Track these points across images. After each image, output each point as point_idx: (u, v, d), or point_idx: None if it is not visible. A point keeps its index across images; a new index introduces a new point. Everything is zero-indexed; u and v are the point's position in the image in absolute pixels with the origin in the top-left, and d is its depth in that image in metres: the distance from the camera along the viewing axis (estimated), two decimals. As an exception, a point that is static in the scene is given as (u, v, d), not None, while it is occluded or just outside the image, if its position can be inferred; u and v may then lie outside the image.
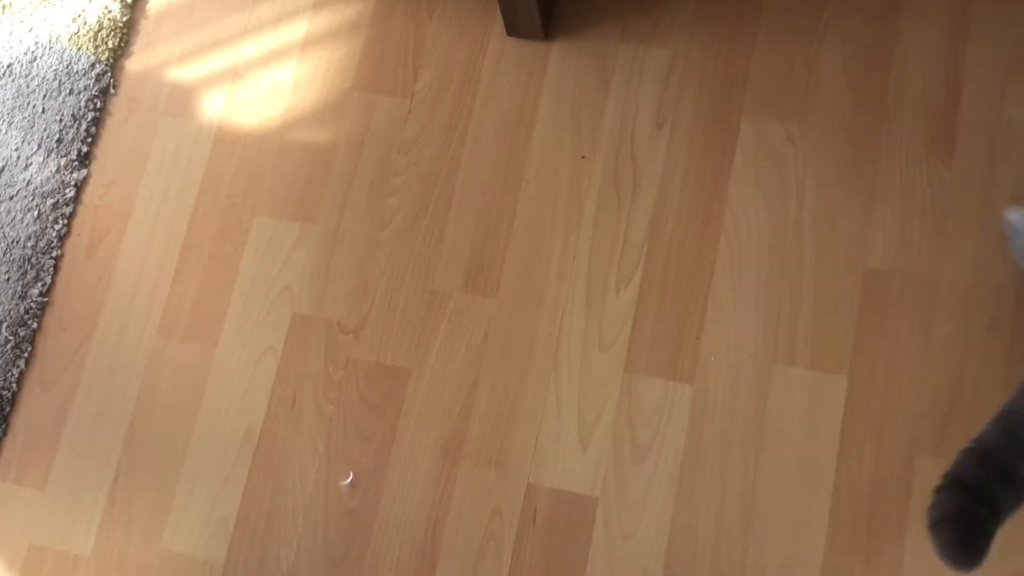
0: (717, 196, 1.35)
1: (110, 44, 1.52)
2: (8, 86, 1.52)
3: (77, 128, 1.49)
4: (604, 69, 1.41)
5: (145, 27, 1.54)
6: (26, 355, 1.41)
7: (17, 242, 1.45)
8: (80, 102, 1.49)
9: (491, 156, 1.41)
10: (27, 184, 1.47)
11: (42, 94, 1.51)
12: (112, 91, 1.51)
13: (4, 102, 1.51)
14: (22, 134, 1.49)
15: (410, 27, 1.47)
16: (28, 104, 1.50)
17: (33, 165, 1.48)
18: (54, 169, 1.47)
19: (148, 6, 1.55)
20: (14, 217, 1.46)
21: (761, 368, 1.28)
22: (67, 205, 1.46)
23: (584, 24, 1.44)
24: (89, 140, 1.49)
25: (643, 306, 1.33)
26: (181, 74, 1.51)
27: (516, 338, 1.34)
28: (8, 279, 1.43)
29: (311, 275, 1.40)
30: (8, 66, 1.53)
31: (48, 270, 1.44)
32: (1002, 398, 1.09)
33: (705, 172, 1.36)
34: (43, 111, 1.50)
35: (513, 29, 1.41)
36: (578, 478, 1.28)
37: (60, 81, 1.51)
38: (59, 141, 1.48)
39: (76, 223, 1.46)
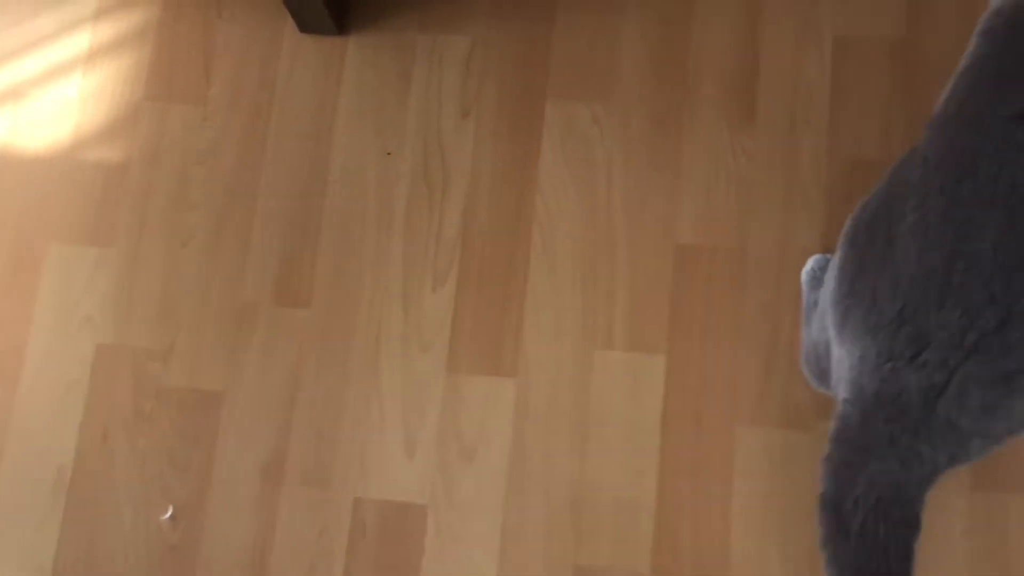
0: (527, 183, 1.36)
1: None
2: None
3: None
4: (404, 61, 1.41)
5: (-91, 49, 1.47)
6: None
7: None
8: None
9: (293, 160, 1.40)
10: None
11: None
12: None
13: None
14: None
15: (199, 30, 1.44)
16: None
17: None
18: None
19: (-89, 26, 1.48)
20: None
21: (582, 355, 1.30)
22: None
23: (380, 16, 1.43)
24: None
25: (461, 303, 1.33)
26: (-46, 98, 1.45)
27: (333, 348, 1.33)
28: None
29: (113, 302, 1.37)
30: None
31: None
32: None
33: (514, 160, 1.37)
34: None
35: (305, 25, 1.40)
36: (406, 486, 1.29)
37: None
38: None
39: None
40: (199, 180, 1.39)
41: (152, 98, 1.43)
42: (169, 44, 1.44)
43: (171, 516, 1.29)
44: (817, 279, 1.19)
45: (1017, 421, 0.91)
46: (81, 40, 1.46)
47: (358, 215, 1.37)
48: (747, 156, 1.34)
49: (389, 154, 1.38)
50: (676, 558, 1.23)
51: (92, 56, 1.46)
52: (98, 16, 1.47)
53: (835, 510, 0.97)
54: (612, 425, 1.28)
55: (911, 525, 0.98)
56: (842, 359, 0.98)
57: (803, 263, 1.27)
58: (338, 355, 1.33)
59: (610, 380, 1.29)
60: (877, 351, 0.91)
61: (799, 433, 1.26)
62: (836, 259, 1.03)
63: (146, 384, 1.33)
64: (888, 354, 0.90)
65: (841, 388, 0.98)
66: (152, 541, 1.29)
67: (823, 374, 1.07)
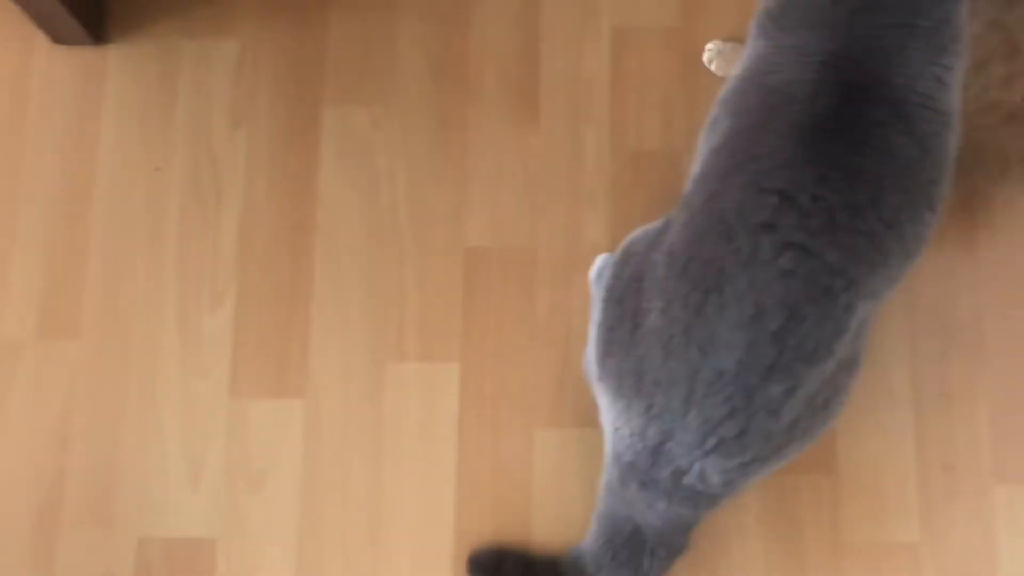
0: (307, 194, 1.32)
1: None
2: None
3: None
4: (169, 70, 1.35)
5: None
6: None
7: None
8: None
9: (54, 181, 1.32)
10: None
11: None
12: None
13: None
14: None
15: (-61, 46, 1.34)
16: None
17: None
18: None
19: None
20: None
21: (373, 369, 1.27)
22: None
23: (142, 23, 1.36)
24: None
25: (242, 323, 1.28)
26: None
27: (106, 380, 1.26)
28: None
29: None
30: None
31: None
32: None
33: (292, 169, 1.33)
34: None
35: (57, 37, 1.32)
36: (192, 521, 1.23)
37: None
38: None
39: None
40: (-53, 209, 1.30)
41: None
42: (-94, 62, 1.34)
43: (-68, 578, 1.20)
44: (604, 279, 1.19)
45: (754, 483, 1.00)
46: None
47: (127, 236, 1.30)
48: (532, 154, 1.33)
49: (158, 169, 1.32)
50: (477, 571, 1.21)
51: None
52: None
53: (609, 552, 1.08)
54: (408, 439, 1.26)
55: (677, 552, 1.09)
56: (602, 413, 1.03)
57: (591, 259, 1.27)
58: (112, 387, 1.26)
59: (404, 393, 1.27)
60: (629, 431, 0.96)
61: (598, 432, 1.26)
62: (598, 303, 1.04)
63: None
64: (640, 436, 0.95)
65: (605, 443, 1.04)
66: (-88, 607, 1.20)
67: None
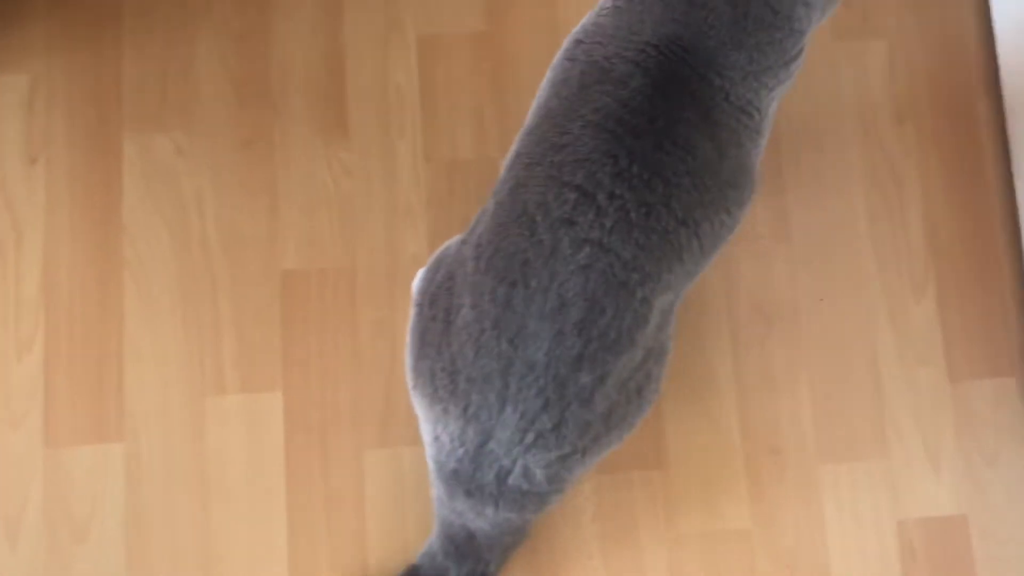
0: (112, 228, 1.29)
1: None
2: None
3: None
4: (-46, 109, 1.29)
5: None
6: None
7: None
8: None
9: None
10: None
11: None
12: None
13: None
14: None
15: None
16: None
17: None
18: None
19: None
20: None
21: (193, 405, 1.25)
22: None
23: (-79, 61, 1.30)
24: None
25: (52, 369, 1.25)
26: None
27: (-91, 442, 1.21)
28: None
29: None
30: None
31: None
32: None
33: (94, 204, 1.29)
34: None
35: None
36: (12, 580, 1.20)
37: None
38: None
39: None
40: None
41: None
42: None
43: None
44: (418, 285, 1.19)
45: (579, 477, 1.01)
46: None
47: (-79, 288, 1.25)
48: (345, 170, 1.32)
49: (-51, 216, 1.27)
50: (314, 600, 1.21)
51: None
52: None
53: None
54: (234, 474, 1.24)
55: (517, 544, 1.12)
56: (421, 424, 1.03)
57: (412, 273, 1.26)
58: (-84, 449, 1.21)
59: (226, 427, 1.25)
60: (449, 437, 0.96)
61: (429, 447, 1.26)
62: (412, 308, 1.04)
63: None
64: (460, 440, 0.95)
65: (427, 455, 1.04)
66: None
67: None
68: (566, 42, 1.02)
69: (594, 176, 0.90)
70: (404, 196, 1.32)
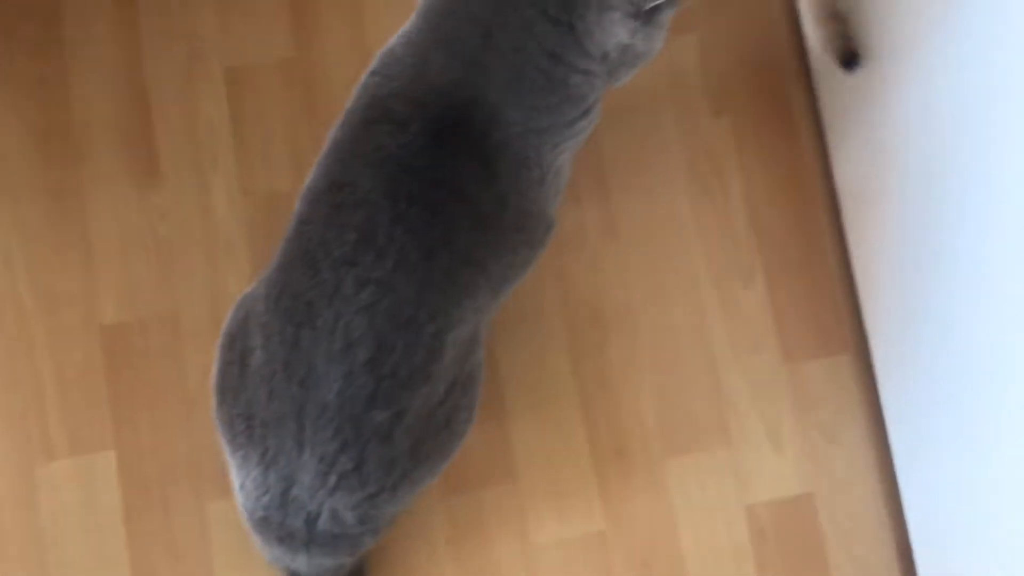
0: (-87, 299, 1.23)
1: None
2: None
3: None
4: None
5: None
6: None
7: None
8: None
9: None
10: None
11: None
12: None
13: None
14: None
15: None
16: None
17: None
18: None
19: None
20: None
21: (21, 474, 1.22)
22: None
23: None
24: None
25: None
26: None
27: None
28: None
29: None
30: None
31: None
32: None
33: None
34: None
35: None
36: None
37: None
38: None
39: None
40: None
41: None
42: None
43: None
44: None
45: (393, 514, 1.01)
46: None
47: None
48: (159, 214, 1.30)
49: None
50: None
51: None
52: None
53: None
54: (73, 543, 1.22)
55: None
56: (230, 470, 1.01)
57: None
58: None
59: (59, 494, 1.22)
60: (253, 484, 0.95)
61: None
62: (216, 351, 1.03)
63: None
64: (264, 487, 0.94)
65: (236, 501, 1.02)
66: None
67: None
68: (372, 64, 1.02)
69: (373, 218, 0.90)
70: (223, 234, 1.30)
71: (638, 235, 1.37)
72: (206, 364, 1.23)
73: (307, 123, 1.34)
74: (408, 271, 0.90)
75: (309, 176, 1.00)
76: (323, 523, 0.95)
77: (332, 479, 0.92)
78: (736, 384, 1.35)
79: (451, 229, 0.93)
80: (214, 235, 1.30)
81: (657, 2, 0.92)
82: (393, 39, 1.02)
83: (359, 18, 1.37)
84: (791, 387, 1.36)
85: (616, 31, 0.94)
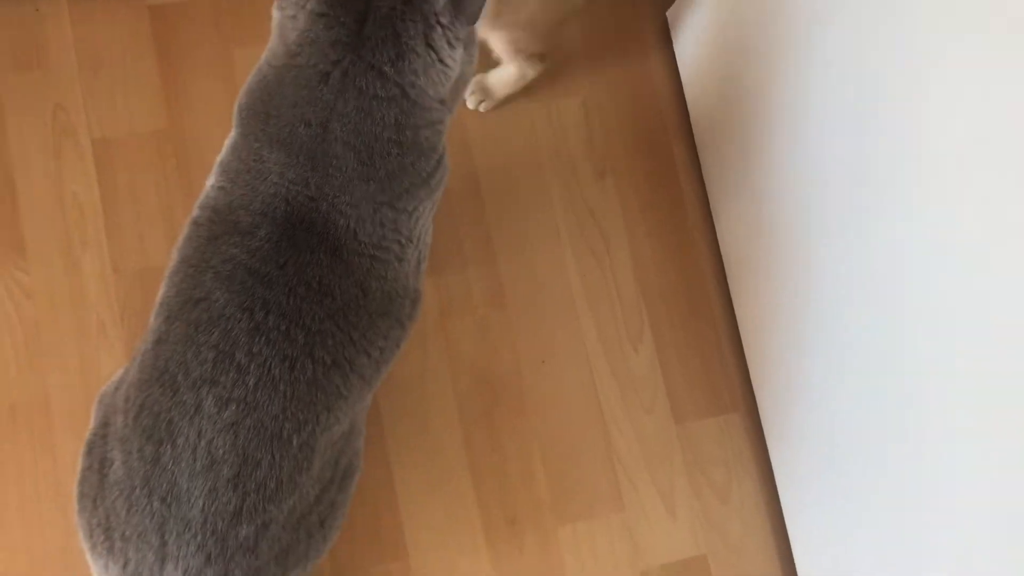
0: None
1: None
2: None
3: None
4: None
5: None
6: None
7: None
8: None
9: None
10: None
11: None
12: None
13: None
14: None
15: None
16: None
17: None
18: None
19: None
20: None
21: None
22: None
23: None
24: None
25: None
26: None
27: None
28: None
29: None
30: None
31: None
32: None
33: None
34: None
35: None
36: None
37: None
38: None
39: None
40: None
41: None
42: None
43: None
44: None
45: None
46: None
47: None
48: (26, 293, 1.31)
49: None
50: None
51: None
52: None
53: None
54: (-67, 643, 1.21)
55: None
56: None
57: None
58: None
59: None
60: None
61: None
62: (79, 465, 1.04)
63: None
64: None
65: None
66: None
67: None
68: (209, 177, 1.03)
69: (230, 333, 0.91)
70: (95, 312, 1.32)
71: (525, 299, 1.43)
72: (78, 448, 1.25)
73: (181, 196, 1.37)
74: (271, 387, 0.92)
75: (160, 290, 1.01)
76: None
77: None
78: (628, 447, 1.41)
79: (312, 333, 0.94)
80: (84, 315, 1.32)
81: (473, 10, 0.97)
82: (223, 151, 1.03)
83: (232, 85, 1.41)
84: (683, 447, 1.43)
85: (446, 72, 0.98)
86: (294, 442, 0.94)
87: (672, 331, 1.46)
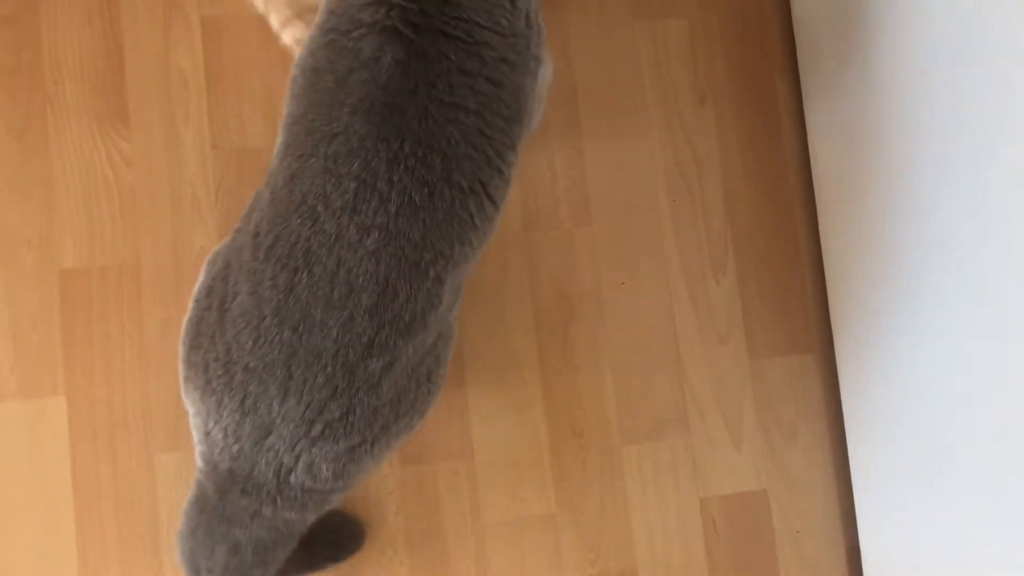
0: None
1: None
2: None
3: None
4: None
5: None
6: None
7: None
8: None
9: None
10: None
11: None
12: None
13: None
14: None
15: None
16: None
17: None
18: None
19: None
20: None
21: (-33, 414, 1.29)
22: None
23: None
24: None
25: None
26: None
27: None
28: None
29: None
30: None
31: None
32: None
33: None
34: None
35: None
36: None
37: None
38: None
39: None
40: None
41: None
42: None
43: None
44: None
45: (367, 471, 1.05)
46: None
47: None
48: (125, 161, 1.37)
49: None
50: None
51: None
52: None
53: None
54: (17, 487, 1.29)
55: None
56: (192, 421, 1.04)
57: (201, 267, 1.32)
58: None
59: (5, 436, 1.29)
60: (223, 433, 0.98)
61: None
62: (190, 303, 1.07)
63: None
64: (235, 436, 0.97)
65: (196, 454, 1.05)
66: None
67: None
68: (312, 30, 1.05)
69: (369, 164, 0.94)
70: (190, 187, 1.37)
71: (611, 218, 1.45)
72: (164, 317, 1.32)
73: (282, 82, 1.40)
74: (411, 214, 0.95)
75: (283, 135, 1.04)
76: (296, 476, 0.99)
77: (317, 428, 0.96)
78: (699, 375, 1.44)
79: (449, 158, 0.97)
80: (180, 187, 1.37)
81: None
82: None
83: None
84: (754, 382, 1.45)
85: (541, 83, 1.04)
86: (430, 274, 0.97)
87: (756, 265, 1.48)
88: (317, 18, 1.04)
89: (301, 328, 0.94)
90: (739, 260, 1.47)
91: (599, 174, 1.46)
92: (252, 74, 1.41)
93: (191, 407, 1.03)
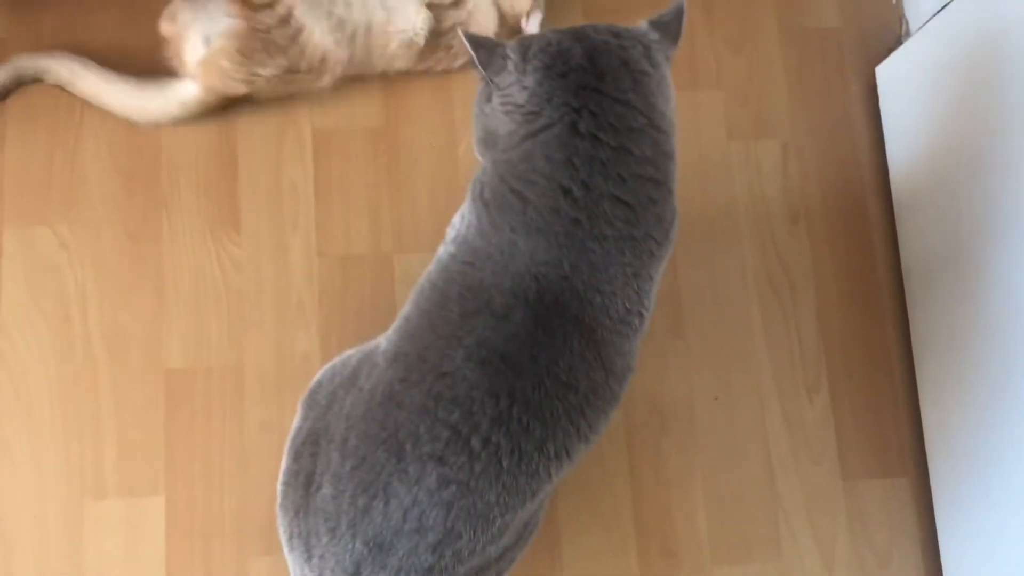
0: (-12, 324, 1.37)
1: None
2: None
3: None
4: None
5: None
6: None
7: None
8: None
9: None
10: None
11: None
12: None
13: None
14: None
15: None
16: None
17: None
18: None
19: None
20: None
21: (69, 509, 1.33)
22: None
23: None
24: None
25: (-82, 473, 1.31)
26: None
27: None
28: None
29: None
30: None
31: None
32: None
33: (-31, 300, 1.37)
34: None
35: None
36: None
37: None
38: None
39: None
40: None
41: None
42: None
43: None
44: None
45: None
46: None
47: None
48: (235, 265, 1.43)
49: None
50: None
51: None
52: None
53: None
54: (111, 582, 1.32)
55: None
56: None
57: (304, 371, 1.37)
58: None
59: (105, 532, 1.33)
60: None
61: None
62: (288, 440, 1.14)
63: None
64: None
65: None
66: None
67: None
68: (443, 247, 1.08)
69: (471, 418, 0.97)
70: (296, 292, 1.43)
71: (705, 334, 1.48)
72: (265, 420, 1.37)
73: (387, 192, 1.48)
74: (494, 476, 0.98)
75: (392, 338, 1.07)
76: None
77: None
78: (792, 496, 1.45)
79: (548, 428, 0.99)
80: (286, 292, 1.43)
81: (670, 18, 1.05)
82: (460, 225, 1.07)
83: (447, 95, 1.52)
84: (847, 505, 1.45)
85: (671, 87, 1.04)
86: (496, 524, 1.01)
87: (849, 384, 1.50)
88: (460, 223, 1.07)
89: (372, 544, 1.00)
90: (832, 379, 1.49)
91: (692, 288, 1.50)
92: (358, 185, 1.48)
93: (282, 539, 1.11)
